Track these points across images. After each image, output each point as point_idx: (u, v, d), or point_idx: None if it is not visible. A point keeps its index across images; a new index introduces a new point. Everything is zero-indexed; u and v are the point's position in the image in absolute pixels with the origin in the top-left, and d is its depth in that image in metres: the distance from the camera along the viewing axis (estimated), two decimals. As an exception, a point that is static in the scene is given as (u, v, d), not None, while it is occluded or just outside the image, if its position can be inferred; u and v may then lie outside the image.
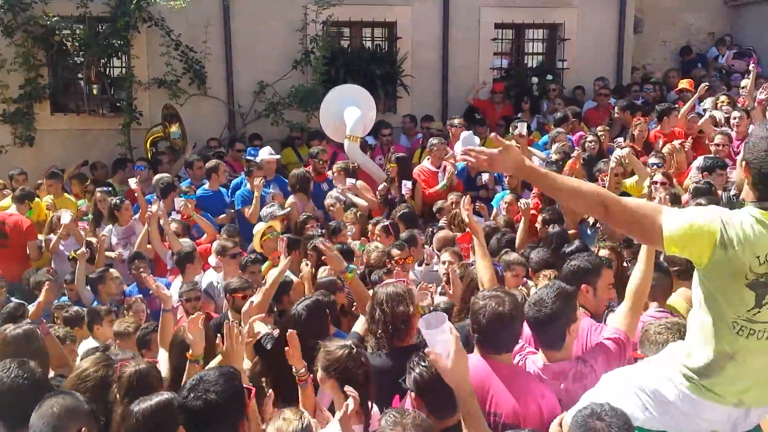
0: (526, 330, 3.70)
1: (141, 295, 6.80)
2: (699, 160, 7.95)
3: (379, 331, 4.06)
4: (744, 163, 2.79)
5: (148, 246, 7.85)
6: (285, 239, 5.75)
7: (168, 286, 7.08)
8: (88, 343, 5.87)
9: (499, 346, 3.39)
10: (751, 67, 9.84)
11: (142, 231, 7.97)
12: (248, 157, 10.11)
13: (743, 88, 10.27)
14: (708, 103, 10.22)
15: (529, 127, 9.90)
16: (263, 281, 5.64)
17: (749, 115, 8.88)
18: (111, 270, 7.27)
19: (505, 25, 13.04)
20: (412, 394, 3.23)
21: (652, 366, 3.07)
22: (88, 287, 7.14)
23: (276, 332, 4.45)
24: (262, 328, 4.57)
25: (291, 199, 8.51)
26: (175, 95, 11.40)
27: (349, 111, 9.48)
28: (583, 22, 12.93)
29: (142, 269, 6.79)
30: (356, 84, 10.62)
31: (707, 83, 10.49)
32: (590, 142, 9.18)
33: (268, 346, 4.32)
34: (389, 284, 4.26)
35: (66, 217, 8.22)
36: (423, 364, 3.17)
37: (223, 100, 11.89)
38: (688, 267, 4.27)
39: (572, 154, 8.10)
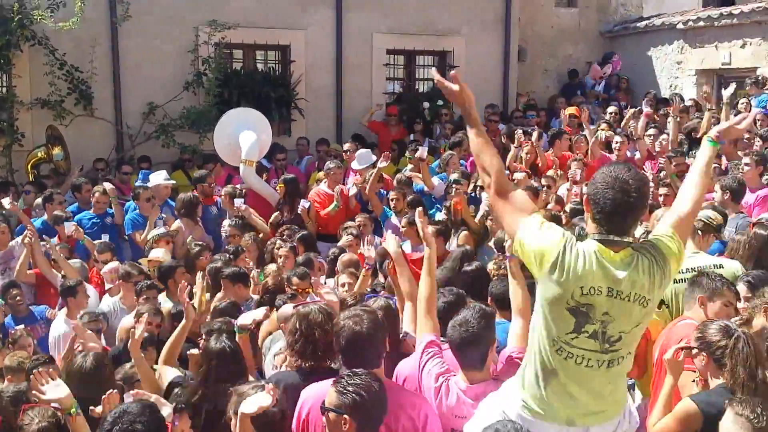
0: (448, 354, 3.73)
1: (23, 326, 6.44)
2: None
3: (299, 349, 3.99)
4: (586, 197, 3.01)
5: (30, 271, 7.47)
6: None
7: (42, 313, 6.82)
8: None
9: (364, 365, 3.38)
10: (645, 109, 10.45)
11: (22, 255, 7.56)
12: (138, 182, 9.81)
13: (612, 113, 10.97)
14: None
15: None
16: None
17: (630, 140, 9.43)
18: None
19: (396, 51, 13.34)
20: (345, 416, 3.11)
21: (509, 387, 3.21)
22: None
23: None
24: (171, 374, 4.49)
25: (177, 223, 8.35)
26: (59, 116, 10.95)
27: (244, 135, 9.42)
28: (470, 50, 13.42)
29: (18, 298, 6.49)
30: (250, 106, 10.59)
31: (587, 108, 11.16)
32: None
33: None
34: (315, 303, 4.21)
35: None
36: (356, 382, 3.12)
37: (110, 121, 11.54)
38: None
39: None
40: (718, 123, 9.57)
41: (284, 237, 7.59)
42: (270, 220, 8.68)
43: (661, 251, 2.93)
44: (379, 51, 13.01)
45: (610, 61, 14.41)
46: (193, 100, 11.66)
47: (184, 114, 11.44)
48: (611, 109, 12.20)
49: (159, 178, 9.16)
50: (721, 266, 4.96)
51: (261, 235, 8.14)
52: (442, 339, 3.87)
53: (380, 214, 8.69)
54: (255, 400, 3.32)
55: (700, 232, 5.52)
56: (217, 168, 10.11)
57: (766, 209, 7.00)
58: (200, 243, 7.66)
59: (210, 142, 10.35)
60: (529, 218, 2.99)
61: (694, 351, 3.76)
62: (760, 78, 11.36)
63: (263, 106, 11.25)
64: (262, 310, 4.98)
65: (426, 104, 13.06)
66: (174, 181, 9.56)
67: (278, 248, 7.00)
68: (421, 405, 3.44)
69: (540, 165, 9.65)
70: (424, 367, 3.69)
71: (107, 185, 8.80)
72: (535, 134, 9.92)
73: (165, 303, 6.30)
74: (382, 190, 9.22)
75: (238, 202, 8.44)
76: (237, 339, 4.48)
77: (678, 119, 9.95)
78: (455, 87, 3.24)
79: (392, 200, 8.52)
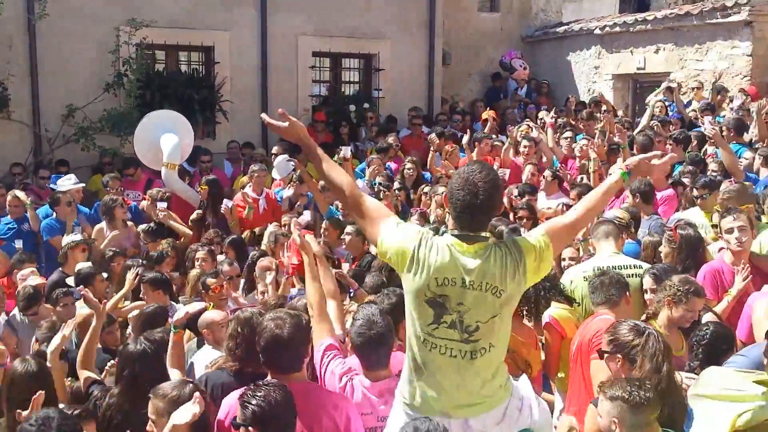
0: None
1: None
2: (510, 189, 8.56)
3: (236, 351, 3.97)
4: (445, 195, 3.20)
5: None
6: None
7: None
8: None
9: (284, 368, 3.42)
10: (547, 119, 10.57)
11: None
12: (51, 186, 9.56)
13: (541, 119, 11.25)
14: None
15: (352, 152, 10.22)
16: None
17: (537, 144, 9.65)
18: None
19: (322, 54, 13.37)
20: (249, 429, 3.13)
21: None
22: None
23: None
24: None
25: (99, 226, 8.21)
26: (-28, 119, 10.60)
27: (165, 138, 9.29)
28: (396, 54, 13.57)
29: None
30: (173, 109, 10.45)
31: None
32: (408, 168, 9.69)
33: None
34: (251, 308, 4.22)
35: None
36: (258, 394, 3.15)
37: (28, 123, 11.21)
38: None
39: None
40: (628, 127, 10.02)
41: (212, 242, 7.56)
42: (191, 217, 8.56)
43: (518, 245, 3.10)
44: (304, 53, 13.02)
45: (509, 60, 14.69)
46: (114, 102, 11.41)
47: (104, 116, 11.19)
48: (541, 114, 12.42)
49: (68, 183, 8.93)
50: (640, 267, 5.17)
51: (182, 240, 8.05)
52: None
53: (326, 212, 8.66)
54: (186, 409, 3.26)
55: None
56: (137, 172, 9.93)
57: (671, 208, 7.31)
58: (114, 249, 7.54)
59: (131, 145, 10.16)
60: (386, 220, 3.19)
61: (606, 355, 3.83)
62: (672, 82, 11.83)
63: (186, 109, 11.12)
64: (197, 305, 4.96)
65: (352, 107, 13.14)
66: (83, 185, 9.34)
67: (196, 251, 6.99)
68: (344, 405, 3.49)
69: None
70: (326, 369, 3.72)
71: (19, 192, 8.50)
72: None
73: (81, 309, 6.17)
74: (309, 192, 9.22)
75: (161, 205, 8.33)
76: (173, 336, 4.44)
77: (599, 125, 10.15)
78: (284, 124, 3.38)
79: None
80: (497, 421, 3.15)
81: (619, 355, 3.76)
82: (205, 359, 4.61)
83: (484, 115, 12.21)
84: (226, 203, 8.59)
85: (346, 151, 9.31)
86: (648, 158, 3.45)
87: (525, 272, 3.07)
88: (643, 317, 4.52)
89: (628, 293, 4.63)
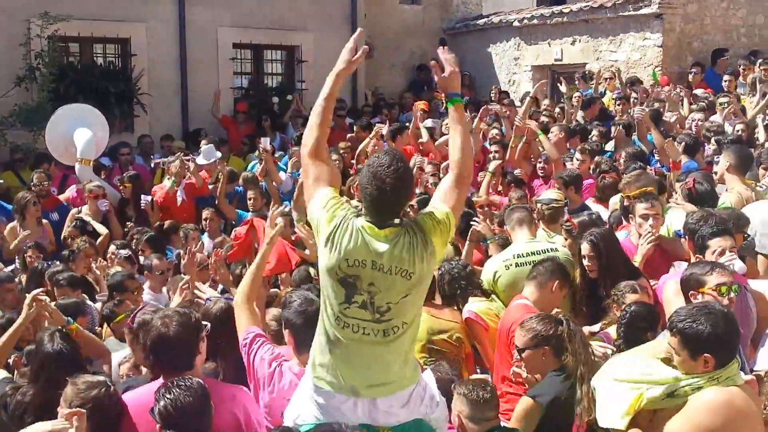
0: None
1: None
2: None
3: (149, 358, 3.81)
4: (356, 184, 3.23)
5: None
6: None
7: None
8: None
9: (173, 367, 3.35)
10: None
11: None
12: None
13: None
14: (430, 122, 11.10)
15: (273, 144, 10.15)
16: None
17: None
18: None
19: (243, 46, 13.20)
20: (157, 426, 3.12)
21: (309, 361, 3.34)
22: None
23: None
24: None
25: (12, 224, 7.92)
26: None
27: (79, 132, 9.02)
28: (318, 46, 13.49)
29: None
30: (88, 102, 10.17)
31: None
32: (335, 161, 9.64)
33: None
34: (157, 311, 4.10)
35: None
36: (168, 396, 3.10)
37: (-68, 119, 10.72)
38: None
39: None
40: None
41: (133, 238, 7.42)
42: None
43: (422, 227, 3.13)
44: (224, 45, 12.84)
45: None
46: (26, 96, 11.01)
47: (15, 111, 10.78)
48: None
49: None
50: (555, 250, 5.26)
51: (102, 238, 7.84)
52: None
53: (235, 218, 8.55)
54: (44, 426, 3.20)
55: (548, 217, 5.85)
56: (51, 168, 9.60)
57: (591, 196, 7.52)
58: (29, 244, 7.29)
59: (44, 141, 9.83)
60: (321, 191, 3.22)
61: (528, 351, 3.88)
62: (587, 73, 12.16)
63: (102, 102, 10.85)
64: None
65: (275, 99, 13.03)
66: None
67: (113, 253, 6.84)
68: (241, 396, 3.50)
69: None
70: (255, 355, 3.71)
71: None
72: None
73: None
74: (237, 188, 9.12)
75: (103, 204, 8.17)
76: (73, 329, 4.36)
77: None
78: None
79: (250, 199, 8.47)
80: (403, 403, 3.18)
81: (545, 347, 3.84)
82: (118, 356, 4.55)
83: (419, 105, 12.29)
84: (145, 198, 8.42)
85: (265, 142, 9.24)
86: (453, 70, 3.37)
87: (433, 252, 3.12)
88: (598, 325, 4.62)
89: (557, 282, 4.62)
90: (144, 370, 4.15)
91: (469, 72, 14.84)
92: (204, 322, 3.68)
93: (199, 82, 12.50)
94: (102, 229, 8.04)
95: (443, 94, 3.47)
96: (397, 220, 3.10)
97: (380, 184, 3.03)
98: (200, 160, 9.53)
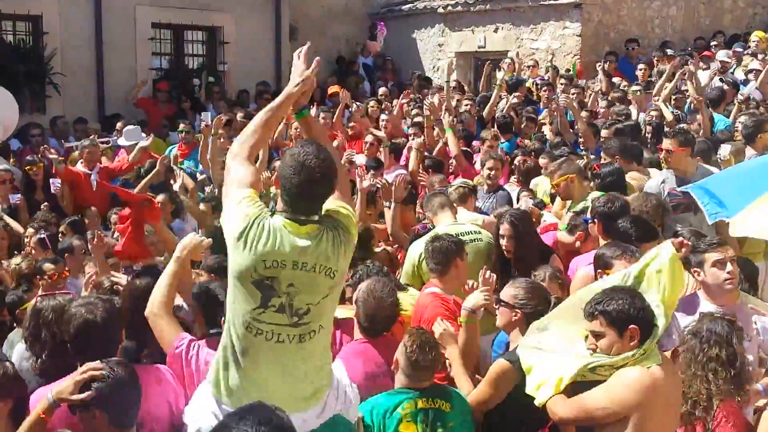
0: None
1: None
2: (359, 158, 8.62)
3: (45, 353, 3.64)
4: (275, 176, 3.16)
5: None
6: None
7: None
8: None
9: (96, 355, 3.15)
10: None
11: None
12: None
13: (382, 95, 11.59)
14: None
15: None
16: None
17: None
18: None
19: (162, 25, 12.84)
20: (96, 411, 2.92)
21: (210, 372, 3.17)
22: None
23: None
24: None
25: None
26: None
27: (-16, 113, 8.60)
28: (241, 27, 13.26)
29: None
30: (-5, 82, 9.69)
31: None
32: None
33: None
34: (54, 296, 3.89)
35: None
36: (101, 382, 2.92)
37: None
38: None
39: None
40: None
41: (49, 223, 7.10)
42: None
43: (339, 221, 3.04)
44: (143, 25, 12.45)
45: (377, 31, 14.87)
46: (-73, 75, 10.44)
47: None
48: (382, 90, 12.63)
49: None
50: (479, 231, 5.30)
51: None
52: None
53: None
54: None
55: (459, 200, 5.88)
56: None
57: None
58: None
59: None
60: (238, 191, 3.02)
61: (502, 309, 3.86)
62: (510, 59, 12.31)
63: (12, 82, 10.32)
64: None
65: (197, 81, 12.73)
66: None
67: (28, 237, 6.54)
68: (167, 379, 3.41)
69: None
70: (197, 360, 3.51)
71: None
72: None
73: None
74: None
75: (56, 184, 7.89)
76: None
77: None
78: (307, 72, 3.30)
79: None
80: (318, 414, 3.07)
81: (516, 310, 3.79)
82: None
83: (331, 90, 12.20)
84: (54, 182, 8.08)
85: (206, 117, 9.02)
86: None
87: (352, 248, 3.07)
88: None
89: (459, 259, 4.62)
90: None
91: (391, 57, 14.87)
92: None
93: (116, 63, 12.10)
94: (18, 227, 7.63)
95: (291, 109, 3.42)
96: (316, 216, 2.99)
97: (309, 173, 2.90)
98: (122, 141, 9.23)
